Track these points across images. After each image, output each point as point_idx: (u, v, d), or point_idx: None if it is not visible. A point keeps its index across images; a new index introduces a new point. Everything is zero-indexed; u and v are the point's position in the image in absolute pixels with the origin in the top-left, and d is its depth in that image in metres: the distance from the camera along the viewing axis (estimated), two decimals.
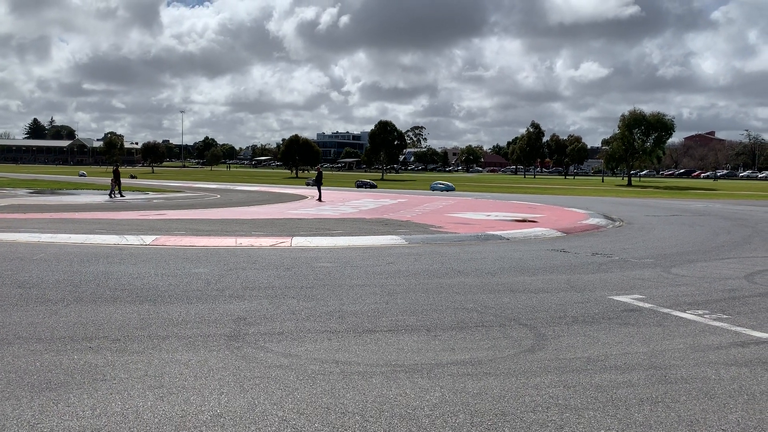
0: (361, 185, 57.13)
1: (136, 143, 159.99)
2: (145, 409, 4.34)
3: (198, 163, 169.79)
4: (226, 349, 5.71)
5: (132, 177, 56.29)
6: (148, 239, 13.38)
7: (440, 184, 53.76)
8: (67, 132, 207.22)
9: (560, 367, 5.41)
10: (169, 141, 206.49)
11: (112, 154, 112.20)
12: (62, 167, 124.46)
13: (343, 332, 6.40)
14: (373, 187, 55.70)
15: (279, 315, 7.04)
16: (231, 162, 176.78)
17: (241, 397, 4.58)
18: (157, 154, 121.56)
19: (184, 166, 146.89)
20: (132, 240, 13.30)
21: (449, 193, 47.65)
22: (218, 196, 36.02)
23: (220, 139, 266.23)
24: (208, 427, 4.10)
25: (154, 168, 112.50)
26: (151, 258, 11.05)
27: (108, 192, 32.20)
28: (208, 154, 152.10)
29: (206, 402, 4.48)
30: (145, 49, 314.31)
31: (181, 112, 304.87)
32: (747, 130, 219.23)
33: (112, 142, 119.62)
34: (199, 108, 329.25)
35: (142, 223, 17.46)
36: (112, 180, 32.21)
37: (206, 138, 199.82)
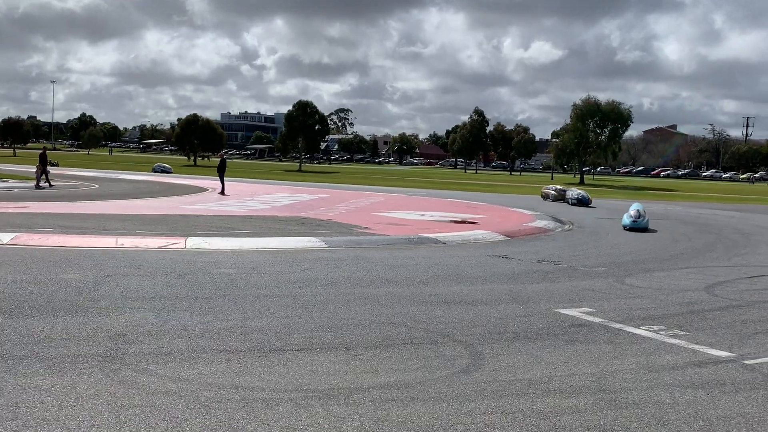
0: (577, 202, 33.99)
1: None
2: None
3: (72, 146, 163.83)
4: (100, 373, 5.54)
5: (53, 164, 50.31)
6: (6, 238, 12.81)
7: None
8: None
9: (498, 391, 5.54)
10: (36, 117, 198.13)
11: None
12: None
13: (245, 352, 6.32)
14: (586, 204, 33.53)
15: (167, 331, 6.89)
16: (114, 145, 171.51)
17: (116, 431, 4.44)
18: (20, 134, 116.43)
19: (54, 149, 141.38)
20: None
21: (378, 189, 45.38)
22: (96, 185, 34.87)
23: (102, 117, 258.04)
24: None
25: (17, 150, 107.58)
26: (8, 260, 10.58)
27: (35, 182, 30.78)
28: (85, 135, 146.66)
29: None
30: (12, 4, 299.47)
31: (53, 82, 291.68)
32: (711, 125, 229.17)
33: None
34: (77, 78, 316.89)
35: None
36: (38, 166, 30.88)
37: (83, 115, 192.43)
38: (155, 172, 60.90)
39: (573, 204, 34.37)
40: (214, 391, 5.24)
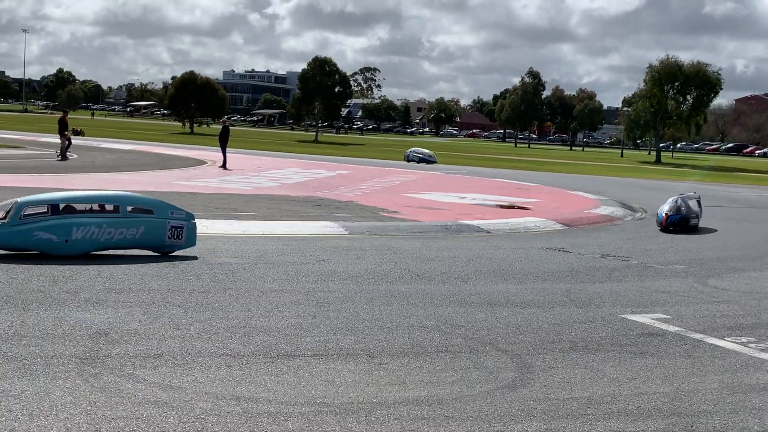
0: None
1: None
2: None
3: (47, 107, 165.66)
4: (78, 377, 5.62)
5: (76, 133, 48.37)
6: None
7: None
8: None
9: (551, 411, 5.54)
10: (4, 73, 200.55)
11: None
12: None
13: (249, 356, 6.38)
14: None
15: (157, 330, 6.97)
16: (96, 107, 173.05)
17: None
18: None
19: (26, 110, 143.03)
20: None
21: (423, 165, 42.95)
22: (75, 155, 35.24)
23: (82, 74, 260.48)
24: None
25: None
26: None
27: (58, 150, 31.42)
28: (63, 95, 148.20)
29: None
30: None
31: (25, 31, 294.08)
32: None
33: None
34: (55, 28, 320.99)
35: None
36: (64, 134, 31.41)
37: (61, 71, 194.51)
38: (410, 161, 47.42)
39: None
40: (212, 402, 5.29)
